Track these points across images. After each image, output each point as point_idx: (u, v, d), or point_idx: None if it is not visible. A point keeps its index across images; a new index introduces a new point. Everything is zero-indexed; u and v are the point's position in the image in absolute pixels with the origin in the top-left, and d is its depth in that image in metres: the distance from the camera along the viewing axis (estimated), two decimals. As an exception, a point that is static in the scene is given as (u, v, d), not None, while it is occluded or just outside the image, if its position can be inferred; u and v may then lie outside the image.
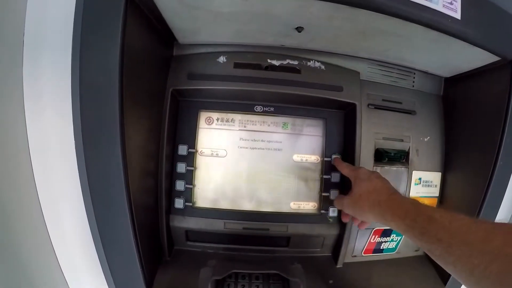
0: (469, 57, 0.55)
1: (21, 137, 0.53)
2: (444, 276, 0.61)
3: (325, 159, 0.62)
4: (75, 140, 0.54)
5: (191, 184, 0.60)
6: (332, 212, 0.62)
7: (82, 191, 0.56)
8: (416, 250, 0.69)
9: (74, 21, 0.52)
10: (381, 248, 0.66)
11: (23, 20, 0.51)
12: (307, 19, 0.46)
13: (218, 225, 0.59)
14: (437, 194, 0.67)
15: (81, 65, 0.40)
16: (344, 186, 0.61)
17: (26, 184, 0.54)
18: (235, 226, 0.59)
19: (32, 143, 0.54)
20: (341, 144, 0.63)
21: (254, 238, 0.61)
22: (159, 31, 0.51)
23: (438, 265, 0.62)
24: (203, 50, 0.58)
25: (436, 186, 0.66)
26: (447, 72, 0.65)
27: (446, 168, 0.66)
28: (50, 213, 0.56)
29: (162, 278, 0.54)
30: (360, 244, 0.64)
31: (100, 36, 0.40)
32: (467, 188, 0.62)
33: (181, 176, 0.59)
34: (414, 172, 0.64)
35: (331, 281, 0.58)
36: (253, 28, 0.50)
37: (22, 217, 0.52)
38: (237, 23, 0.49)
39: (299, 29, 0.49)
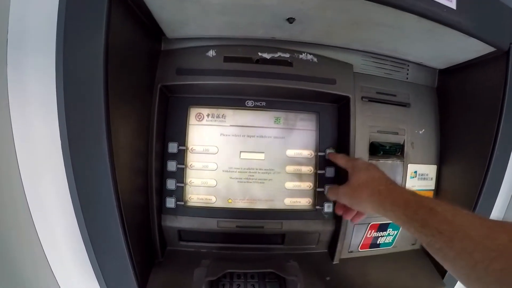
0: (464, 48, 0.54)
1: (6, 137, 0.51)
2: (442, 270, 0.61)
3: (319, 153, 0.61)
4: (61, 139, 0.53)
5: (183, 182, 0.58)
6: (327, 208, 0.61)
7: (69, 191, 0.54)
8: (413, 244, 0.68)
9: (57, 16, 0.49)
10: (378, 242, 0.66)
11: (7, 18, 0.49)
12: (299, 9, 0.44)
13: (211, 224, 0.58)
14: (433, 187, 0.66)
15: (64, 62, 0.39)
16: (339, 181, 0.60)
17: (14, 186, 0.52)
18: (229, 224, 0.58)
19: (18, 143, 0.52)
20: (335, 138, 0.62)
21: (248, 236, 0.60)
22: (146, 26, 0.50)
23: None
24: (191, 44, 0.56)
25: (432, 179, 0.66)
26: (441, 64, 0.64)
27: (442, 160, 0.66)
28: (39, 216, 0.55)
29: (155, 279, 0.53)
30: (357, 239, 0.64)
31: (84, 31, 0.38)
32: (464, 180, 0.61)
33: (172, 175, 0.58)
34: (409, 165, 0.63)
35: (328, 278, 0.57)
36: (243, 20, 0.49)
37: (10, 221, 0.51)
38: (226, 15, 0.47)
39: (290, 20, 0.47)
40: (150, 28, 0.51)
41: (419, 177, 0.65)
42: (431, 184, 0.66)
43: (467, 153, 0.61)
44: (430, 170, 0.65)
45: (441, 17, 0.44)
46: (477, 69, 0.59)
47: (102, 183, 0.42)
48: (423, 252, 0.66)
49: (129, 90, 0.47)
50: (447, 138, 0.65)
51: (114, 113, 0.41)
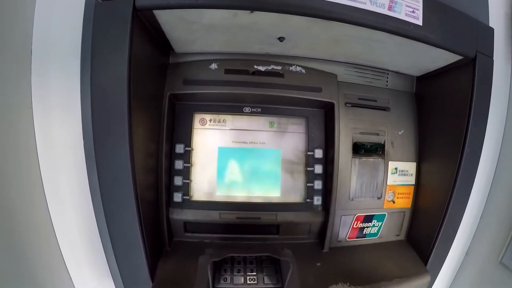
0: (434, 58, 0.60)
1: (29, 139, 0.58)
2: (425, 258, 0.66)
3: (308, 153, 0.69)
4: (84, 141, 0.60)
5: (188, 179, 0.66)
6: (317, 201, 0.68)
7: (90, 188, 0.61)
8: (397, 235, 0.75)
9: (82, 34, 0.56)
10: (364, 233, 0.72)
11: (31, 29, 0.56)
12: (287, 31, 0.52)
13: (213, 216, 0.65)
14: (413, 182, 0.73)
15: (92, 74, 0.46)
16: (326, 177, 0.68)
17: (34, 185, 0.59)
18: (229, 216, 0.66)
19: (40, 144, 0.59)
20: (322, 139, 0.70)
21: (247, 227, 0.68)
22: (158, 42, 0.58)
23: (419, 248, 0.68)
24: (196, 58, 0.65)
25: (412, 174, 0.73)
26: (417, 72, 0.72)
27: (421, 158, 0.73)
28: (56, 210, 0.62)
29: (163, 266, 0.60)
30: (344, 229, 0.71)
31: (110, 48, 0.45)
32: (440, 175, 0.67)
33: (179, 172, 0.66)
34: (390, 163, 0.71)
35: (318, 264, 0.64)
36: (241, 38, 0.57)
37: (28, 213, 0.57)
38: (227, 35, 0.55)
39: (281, 39, 0.56)
40: (161, 44, 0.59)
41: (400, 173, 0.72)
42: (411, 180, 0.73)
43: (443, 150, 0.67)
44: (410, 166, 0.73)
45: (409, 32, 0.50)
46: (449, 75, 0.65)
47: (123, 180, 0.48)
48: (408, 242, 0.73)
49: (144, 98, 0.55)
50: (425, 137, 0.72)
51: (133, 118, 0.47)
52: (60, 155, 0.60)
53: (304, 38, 0.56)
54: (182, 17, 0.48)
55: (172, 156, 0.66)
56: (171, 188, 0.66)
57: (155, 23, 0.50)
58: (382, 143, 0.70)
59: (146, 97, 0.57)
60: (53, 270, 0.62)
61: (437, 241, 0.64)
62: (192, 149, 0.67)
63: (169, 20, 0.50)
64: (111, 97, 0.46)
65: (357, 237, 0.72)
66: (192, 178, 0.66)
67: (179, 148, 0.66)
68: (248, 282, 0.57)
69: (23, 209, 0.56)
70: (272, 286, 0.57)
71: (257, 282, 0.57)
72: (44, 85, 0.58)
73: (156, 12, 0.46)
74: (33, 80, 0.57)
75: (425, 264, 0.66)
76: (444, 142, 0.67)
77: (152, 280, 0.55)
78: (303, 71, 0.65)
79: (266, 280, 0.58)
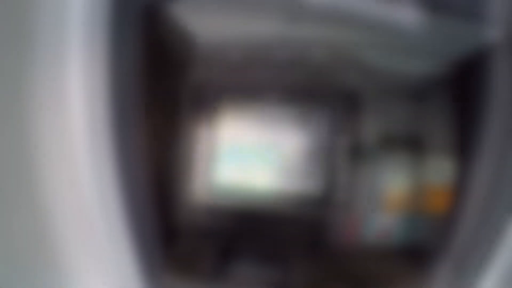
0: None
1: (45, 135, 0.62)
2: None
3: (333, 145, 0.67)
4: (102, 135, 0.63)
5: (207, 167, 0.67)
6: (340, 197, 0.65)
7: (110, 175, 0.64)
8: (427, 240, 0.68)
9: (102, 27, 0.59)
10: (391, 234, 0.67)
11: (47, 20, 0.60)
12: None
13: (231, 204, 0.65)
14: (447, 183, 0.66)
15: (109, 67, 0.49)
16: (353, 171, 0.65)
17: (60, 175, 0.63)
18: (247, 205, 0.66)
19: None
20: (349, 131, 0.67)
21: (263, 219, 0.67)
22: (176, 31, 0.59)
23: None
24: (215, 46, 0.65)
25: (446, 175, 0.66)
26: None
27: (458, 155, 0.65)
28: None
29: (177, 248, 0.60)
30: (370, 230, 0.66)
31: (125, 39, 0.47)
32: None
33: (198, 160, 0.67)
34: (423, 159, 0.65)
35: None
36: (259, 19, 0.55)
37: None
38: (243, 20, 0.54)
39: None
40: (180, 33, 0.60)
41: (433, 171, 0.66)
42: (446, 180, 0.66)
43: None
44: (444, 165, 0.66)
45: None
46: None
47: (135, 167, 0.50)
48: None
49: (162, 87, 0.55)
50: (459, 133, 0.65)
51: (146, 110, 0.49)
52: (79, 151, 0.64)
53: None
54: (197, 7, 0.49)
55: (191, 144, 0.68)
56: (189, 176, 0.67)
57: (170, 13, 0.51)
58: (415, 136, 0.66)
59: (165, 86, 0.58)
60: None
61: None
62: (212, 138, 0.68)
63: (185, 11, 0.50)
64: (126, 87, 0.48)
65: (384, 238, 0.67)
66: (211, 167, 0.67)
67: (199, 137, 0.67)
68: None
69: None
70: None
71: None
72: (60, 80, 0.61)
73: (170, 4, 0.47)
74: (49, 74, 0.61)
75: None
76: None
77: (165, 263, 0.56)
78: (328, 56, 0.63)
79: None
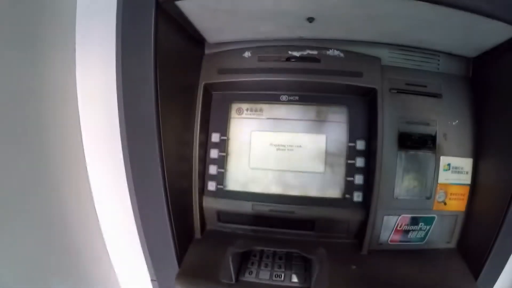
0: (489, 32, 0.50)
1: (76, 134, 0.63)
2: (476, 272, 0.57)
3: (349, 144, 0.64)
4: (120, 134, 0.63)
5: (223, 168, 0.66)
6: (357, 197, 0.63)
7: (126, 177, 0.64)
8: (447, 242, 0.65)
9: (116, 30, 0.60)
10: (409, 237, 0.65)
11: (74, 25, 0.60)
12: (315, 9, 0.49)
13: (246, 207, 0.64)
14: (469, 182, 0.63)
15: (123, 68, 0.49)
16: (369, 171, 0.63)
17: (81, 177, 0.64)
18: (262, 208, 0.64)
19: (85, 136, 0.63)
20: (365, 129, 0.64)
21: (280, 221, 0.65)
22: (189, 33, 0.59)
23: (471, 259, 0.59)
24: (230, 47, 0.64)
25: (467, 172, 0.63)
26: (471, 51, 0.62)
27: (478, 153, 0.63)
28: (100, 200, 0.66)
29: (193, 253, 0.60)
30: (386, 231, 0.64)
31: (136, 41, 0.47)
32: (501, 174, 0.57)
33: (214, 161, 0.66)
34: (442, 158, 0.62)
35: (354, 267, 0.58)
36: (269, 23, 0.55)
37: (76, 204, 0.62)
38: (251, 21, 0.54)
39: (310, 19, 0.52)
40: (194, 35, 0.60)
41: (453, 170, 0.63)
42: (466, 178, 0.63)
43: (505, 146, 0.56)
44: (466, 163, 0.63)
45: (454, 2, 0.42)
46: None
47: (152, 169, 0.50)
48: (458, 251, 0.63)
49: (176, 89, 0.56)
50: (484, 129, 0.62)
51: (163, 108, 0.49)
52: (102, 146, 0.64)
53: (335, 18, 0.52)
54: (203, 5, 0.48)
55: (207, 145, 0.66)
56: (205, 177, 0.66)
57: (181, 14, 0.50)
58: (433, 134, 0.62)
59: (179, 88, 0.58)
60: (96, 255, 0.66)
61: (491, 253, 0.54)
62: (228, 139, 0.66)
63: (193, 10, 0.49)
64: (139, 89, 0.48)
65: (400, 241, 0.65)
66: (227, 168, 0.66)
67: (215, 137, 0.66)
68: (274, 278, 0.54)
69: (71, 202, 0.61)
70: (299, 285, 0.53)
71: (284, 279, 0.54)
72: (87, 77, 0.62)
73: (178, 3, 0.46)
74: (78, 73, 0.61)
75: (476, 278, 0.57)
76: (507, 135, 0.56)
77: (179, 266, 0.56)
78: (342, 55, 0.61)
79: (294, 278, 0.54)
